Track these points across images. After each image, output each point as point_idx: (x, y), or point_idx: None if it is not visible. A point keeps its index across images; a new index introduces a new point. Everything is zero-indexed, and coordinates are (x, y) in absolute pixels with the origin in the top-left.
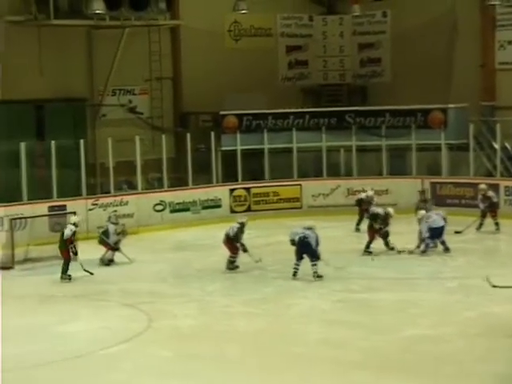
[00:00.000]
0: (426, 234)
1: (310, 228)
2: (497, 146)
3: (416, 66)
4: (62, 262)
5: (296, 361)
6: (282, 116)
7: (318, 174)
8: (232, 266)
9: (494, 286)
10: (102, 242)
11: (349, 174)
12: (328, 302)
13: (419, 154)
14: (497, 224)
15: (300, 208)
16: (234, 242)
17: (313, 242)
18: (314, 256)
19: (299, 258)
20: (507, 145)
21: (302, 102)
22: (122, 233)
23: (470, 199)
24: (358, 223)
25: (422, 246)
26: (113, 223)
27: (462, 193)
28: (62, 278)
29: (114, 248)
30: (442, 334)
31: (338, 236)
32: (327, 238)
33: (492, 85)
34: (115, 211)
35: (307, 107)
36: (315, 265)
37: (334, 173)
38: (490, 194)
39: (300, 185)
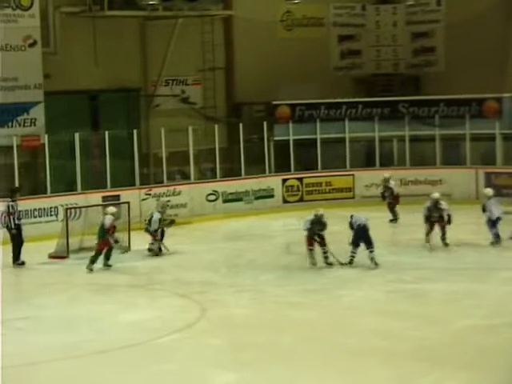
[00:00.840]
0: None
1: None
2: None
3: (470, 54)
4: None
5: (348, 351)
6: (334, 106)
7: (370, 164)
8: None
9: None
10: (147, 231)
11: (402, 164)
12: (380, 292)
13: (473, 143)
14: None
15: (353, 198)
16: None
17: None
18: (372, 243)
19: (356, 244)
20: None
21: (354, 91)
22: (166, 222)
23: None
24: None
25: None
26: (159, 211)
27: None
28: (88, 267)
29: (154, 236)
30: (497, 326)
31: (391, 226)
32: (380, 228)
33: None
34: (168, 201)
35: (360, 97)
36: (373, 251)
37: (386, 163)
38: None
39: (353, 175)
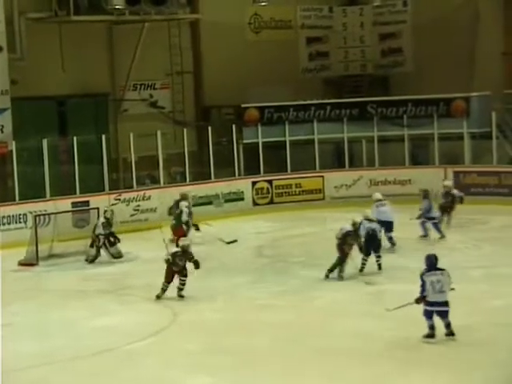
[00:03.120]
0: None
1: (370, 220)
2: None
3: (438, 54)
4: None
5: (323, 353)
6: (303, 108)
7: (340, 166)
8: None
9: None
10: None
11: (371, 165)
12: (353, 293)
13: (442, 143)
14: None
15: (322, 199)
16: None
17: (379, 234)
18: (379, 248)
19: (369, 252)
20: None
21: (323, 93)
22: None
23: (493, 187)
24: None
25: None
26: (104, 217)
27: (485, 181)
28: None
29: (95, 241)
30: (470, 324)
31: None
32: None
33: None
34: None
35: (328, 98)
36: (380, 257)
37: (356, 164)
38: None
39: (322, 176)
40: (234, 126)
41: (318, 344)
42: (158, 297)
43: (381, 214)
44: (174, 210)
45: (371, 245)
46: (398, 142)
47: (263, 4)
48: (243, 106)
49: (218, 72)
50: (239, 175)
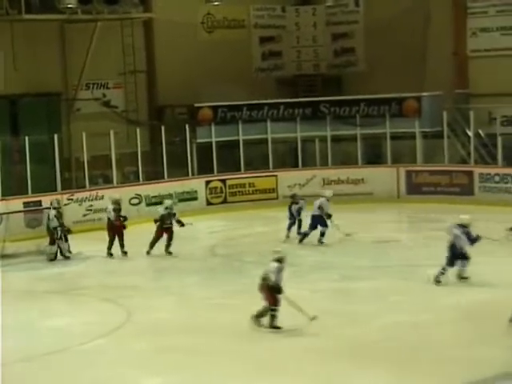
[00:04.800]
0: None
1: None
2: (470, 133)
3: (390, 54)
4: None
5: (275, 351)
6: (256, 107)
7: (293, 165)
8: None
9: None
10: (48, 230)
11: (324, 164)
12: (307, 291)
13: (394, 142)
14: None
15: (276, 199)
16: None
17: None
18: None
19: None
20: (481, 132)
21: (276, 92)
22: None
23: (445, 186)
24: None
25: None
26: (54, 208)
27: (437, 180)
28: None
29: (53, 235)
30: (422, 321)
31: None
32: (304, 228)
33: (465, 72)
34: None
35: (282, 98)
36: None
37: (309, 163)
38: None
39: (276, 175)
40: (187, 126)
41: (270, 342)
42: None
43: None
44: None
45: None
46: (350, 141)
47: (216, 3)
48: (196, 105)
49: (171, 71)
50: (193, 175)
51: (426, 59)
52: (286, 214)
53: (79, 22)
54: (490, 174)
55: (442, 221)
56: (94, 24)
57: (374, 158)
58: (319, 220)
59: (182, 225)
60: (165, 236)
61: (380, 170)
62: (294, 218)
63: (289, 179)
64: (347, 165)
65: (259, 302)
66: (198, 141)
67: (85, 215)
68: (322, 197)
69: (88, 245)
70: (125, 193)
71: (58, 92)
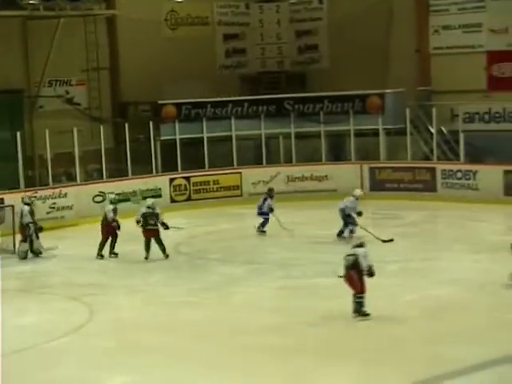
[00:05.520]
0: None
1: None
2: (433, 130)
3: (353, 52)
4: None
5: (241, 349)
6: (220, 104)
7: (257, 162)
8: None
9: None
10: (21, 227)
11: (288, 161)
12: (270, 289)
13: (358, 139)
14: None
15: (240, 196)
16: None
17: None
18: None
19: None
20: (443, 129)
21: (240, 90)
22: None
23: (408, 183)
24: None
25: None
26: (25, 204)
27: (400, 177)
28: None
29: (25, 233)
30: (384, 318)
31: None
32: (269, 225)
33: (427, 70)
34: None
35: (246, 95)
36: None
37: (273, 160)
38: None
39: (240, 173)
40: (151, 123)
41: (235, 340)
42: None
43: None
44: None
45: None
46: (314, 138)
47: (179, 0)
48: (160, 102)
49: (134, 68)
50: (157, 172)
51: (389, 56)
52: (261, 206)
53: (41, 18)
54: (452, 171)
55: (405, 217)
56: (57, 20)
57: (338, 154)
58: (348, 218)
59: (167, 227)
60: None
61: (344, 167)
62: (268, 214)
63: (253, 176)
64: (311, 162)
65: (223, 299)
66: (162, 138)
67: (48, 213)
68: (352, 196)
69: (51, 243)
70: (88, 190)
71: (21, 89)
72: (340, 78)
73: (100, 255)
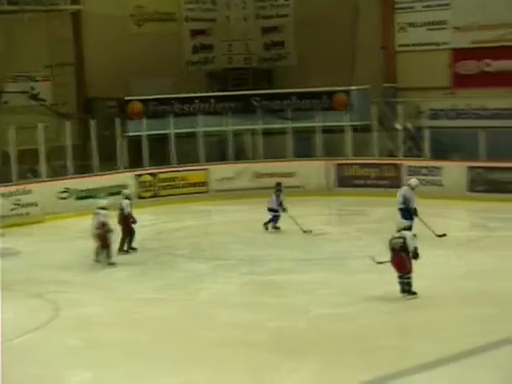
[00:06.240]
0: None
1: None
2: (399, 126)
3: (320, 48)
4: None
5: (206, 345)
6: (187, 101)
7: (224, 158)
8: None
9: (379, 263)
10: None
11: (255, 158)
12: (236, 285)
13: (325, 135)
14: None
15: (207, 192)
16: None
17: None
18: None
19: None
20: (409, 125)
21: (207, 86)
22: None
23: (375, 179)
24: None
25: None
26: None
27: (367, 173)
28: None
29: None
30: (351, 313)
31: (246, 219)
32: (234, 222)
33: (393, 67)
34: None
35: (213, 91)
36: None
37: (240, 156)
38: None
39: (206, 169)
40: (117, 119)
41: (201, 336)
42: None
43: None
44: None
45: None
46: (281, 134)
47: None
48: (127, 98)
49: (100, 64)
50: (123, 168)
51: (355, 53)
52: (273, 202)
53: (5, 13)
54: (417, 167)
55: (372, 213)
56: (21, 15)
57: (305, 151)
58: (404, 213)
59: (134, 221)
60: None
61: (311, 164)
62: (277, 211)
63: (219, 173)
64: (278, 158)
65: (189, 295)
66: (129, 134)
67: (12, 209)
68: (406, 186)
69: (16, 240)
70: (53, 187)
71: None
72: (307, 74)
73: (126, 250)
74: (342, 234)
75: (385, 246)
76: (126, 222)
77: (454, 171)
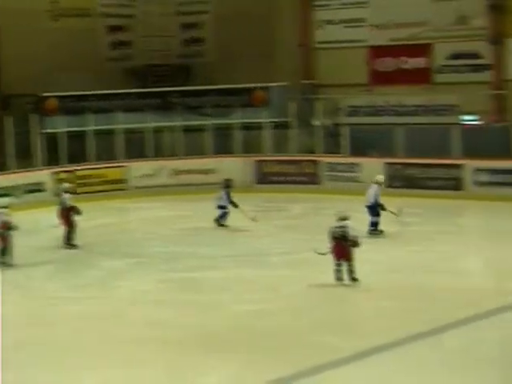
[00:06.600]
0: None
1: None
2: (317, 123)
3: (240, 45)
4: None
5: (123, 342)
6: (105, 97)
7: (143, 155)
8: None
9: (321, 254)
10: None
11: (175, 155)
12: (154, 282)
13: (244, 132)
14: None
15: (126, 189)
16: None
17: None
18: None
19: None
20: (327, 122)
21: (126, 82)
22: None
23: (293, 176)
24: None
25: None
26: None
27: (285, 170)
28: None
29: None
30: (270, 309)
31: (165, 216)
32: (154, 219)
33: (312, 64)
34: None
35: (132, 88)
36: None
37: (159, 153)
38: None
39: (125, 166)
40: (33, 116)
41: (118, 334)
42: None
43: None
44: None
45: None
46: (201, 131)
47: None
48: (44, 95)
49: (16, 60)
50: (40, 166)
51: (275, 50)
52: (221, 198)
53: None
54: (336, 164)
55: (290, 210)
56: None
57: (225, 148)
58: (372, 210)
59: (79, 213)
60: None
61: (230, 160)
62: (226, 207)
63: (138, 170)
64: (198, 155)
65: (106, 293)
66: (46, 131)
67: None
68: (375, 183)
69: None
70: None
71: None
72: (226, 71)
73: (70, 244)
74: (262, 231)
75: (307, 241)
76: (66, 215)
77: (372, 167)
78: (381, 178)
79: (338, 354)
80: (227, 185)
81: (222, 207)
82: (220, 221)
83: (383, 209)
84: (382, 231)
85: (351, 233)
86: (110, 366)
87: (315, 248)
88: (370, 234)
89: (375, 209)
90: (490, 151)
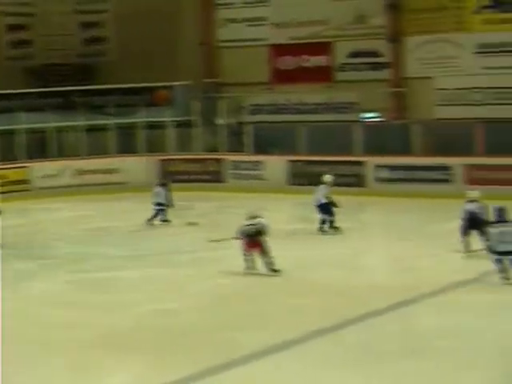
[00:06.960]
0: None
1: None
2: (221, 121)
3: (142, 44)
4: None
5: (28, 343)
6: (5, 97)
7: (45, 156)
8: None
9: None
10: None
11: (77, 155)
12: (62, 283)
13: (148, 131)
14: None
15: (29, 190)
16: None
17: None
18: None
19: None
20: (231, 120)
21: (26, 82)
22: None
23: (197, 174)
24: None
25: None
26: None
27: (190, 168)
28: None
29: None
30: (177, 308)
31: (70, 216)
32: (58, 220)
33: (214, 62)
34: None
35: (33, 88)
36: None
37: (61, 153)
38: None
39: (27, 167)
40: None
41: (27, 334)
42: None
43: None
44: None
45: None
46: (104, 131)
47: None
48: None
49: None
50: None
51: (177, 49)
52: (159, 195)
53: None
54: (240, 162)
55: (195, 208)
56: None
57: (128, 147)
58: (327, 207)
59: None
60: None
61: (133, 160)
62: (163, 205)
63: (41, 170)
64: (101, 155)
65: (15, 294)
66: None
67: None
68: (323, 183)
69: None
70: None
71: None
72: (129, 70)
73: None
74: (167, 230)
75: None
76: None
77: (275, 165)
78: (328, 178)
79: (246, 351)
80: (164, 182)
81: (159, 204)
82: (156, 219)
83: (336, 206)
84: (337, 228)
85: (266, 229)
86: (13, 367)
87: (209, 237)
88: (321, 231)
89: (325, 207)
90: (390, 148)
